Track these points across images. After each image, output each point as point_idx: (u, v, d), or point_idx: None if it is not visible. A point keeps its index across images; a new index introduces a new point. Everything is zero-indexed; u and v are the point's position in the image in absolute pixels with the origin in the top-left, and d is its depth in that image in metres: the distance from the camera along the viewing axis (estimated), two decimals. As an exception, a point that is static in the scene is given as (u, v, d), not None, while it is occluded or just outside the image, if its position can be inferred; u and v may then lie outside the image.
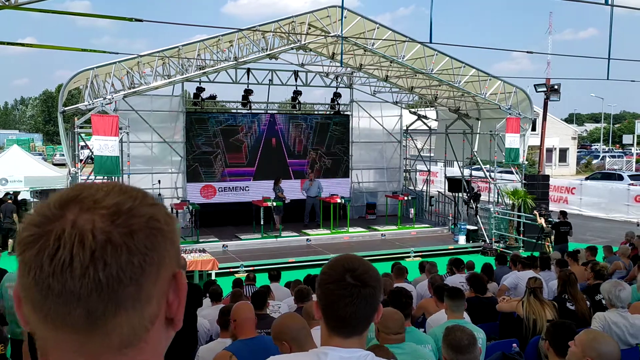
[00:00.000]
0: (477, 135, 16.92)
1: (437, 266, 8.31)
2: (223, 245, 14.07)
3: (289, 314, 3.06)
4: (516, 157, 15.44)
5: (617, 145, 58.94)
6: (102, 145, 11.81)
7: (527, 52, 10.86)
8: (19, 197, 14.87)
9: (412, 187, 19.89)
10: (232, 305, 4.22)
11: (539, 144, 24.41)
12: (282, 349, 2.77)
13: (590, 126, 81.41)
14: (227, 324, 4.12)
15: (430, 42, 7.87)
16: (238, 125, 17.10)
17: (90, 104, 11.99)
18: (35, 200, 12.08)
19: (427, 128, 19.89)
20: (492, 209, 15.89)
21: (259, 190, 16.34)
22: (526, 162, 16.59)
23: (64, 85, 12.63)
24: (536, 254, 9.96)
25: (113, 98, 12.29)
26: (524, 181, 16.02)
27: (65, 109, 12.29)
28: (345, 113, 18.84)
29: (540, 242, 14.37)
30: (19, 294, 0.69)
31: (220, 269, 12.30)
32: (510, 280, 7.27)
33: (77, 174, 12.58)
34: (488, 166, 16.93)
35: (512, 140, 15.27)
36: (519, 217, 15.41)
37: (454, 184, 17.82)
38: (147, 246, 0.68)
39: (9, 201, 14.75)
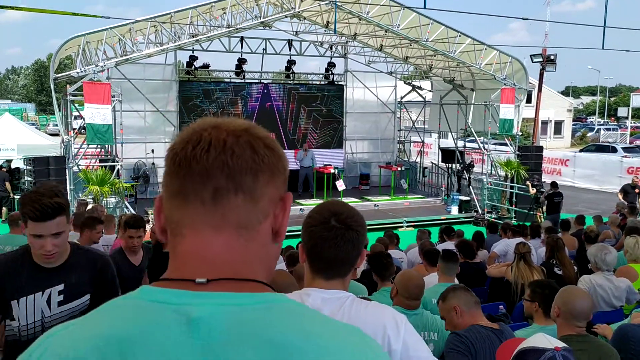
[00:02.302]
0: (472, 106, 16.87)
1: (429, 234, 8.40)
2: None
3: (278, 270, 3.10)
4: (510, 128, 15.44)
5: (612, 118, 58.94)
6: (95, 113, 11.72)
7: (523, 18, 10.80)
8: (12, 166, 14.82)
9: (405, 159, 19.92)
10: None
11: (534, 116, 24.40)
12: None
13: (586, 99, 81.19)
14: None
15: (424, 8, 7.78)
16: (231, 95, 16.98)
17: (82, 71, 11.86)
18: (28, 167, 12.02)
19: (422, 99, 19.82)
20: (485, 180, 15.96)
21: (253, 160, 16.29)
22: (520, 134, 16.59)
23: (56, 51, 12.45)
24: (528, 224, 10.07)
25: (105, 65, 12.15)
26: (517, 152, 16.06)
27: (57, 76, 12.15)
28: (340, 83, 18.72)
29: (532, 212, 14.50)
30: (160, 201, 0.90)
31: (214, 237, 12.37)
32: (500, 248, 7.37)
33: (70, 142, 12.51)
34: (482, 138, 16.95)
35: (506, 111, 15.26)
36: (511, 187, 15.50)
37: (448, 155, 17.85)
38: (265, 152, 0.88)
39: (3, 169, 14.71)
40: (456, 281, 4.81)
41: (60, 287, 2.40)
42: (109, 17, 9.34)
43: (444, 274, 4.70)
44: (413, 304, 3.30)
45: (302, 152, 16.63)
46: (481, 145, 16.60)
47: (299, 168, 16.61)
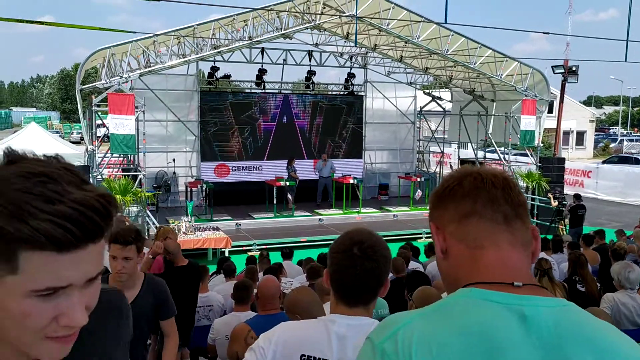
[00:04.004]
0: (492, 117, 16.77)
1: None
2: (236, 224, 14.23)
3: (301, 287, 3.13)
4: (531, 139, 15.32)
5: (636, 129, 57.99)
6: (118, 123, 11.94)
7: (545, 32, 10.72)
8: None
9: (425, 169, 19.85)
10: (248, 281, 4.33)
11: (555, 126, 24.14)
12: (295, 322, 2.85)
13: (609, 109, 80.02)
14: (241, 299, 4.22)
15: (445, 23, 7.79)
16: (252, 105, 17.14)
17: (107, 83, 12.10)
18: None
19: (441, 109, 19.75)
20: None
21: (272, 170, 16.43)
22: (542, 145, 16.44)
23: (82, 63, 12.73)
24: (549, 237, 9.96)
25: (129, 77, 12.38)
26: (539, 164, 15.91)
27: (83, 87, 12.42)
28: (359, 94, 18.78)
29: (554, 225, 14.33)
30: (435, 225, 1.12)
31: (233, 246, 12.47)
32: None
33: (94, 151, 12.76)
34: (502, 148, 16.82)
35: (527, 122, 15.15)
36: (532, 200, 15.35)
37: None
38: (521, 192, 1.13)
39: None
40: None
41: None
42: (135, 32, 9.55)
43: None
44: None
45: (321, 162, 16.70)
46: (501, 156, 16.48)
47: (317, 178, 16.67)
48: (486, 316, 0.95)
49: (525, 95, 15.26)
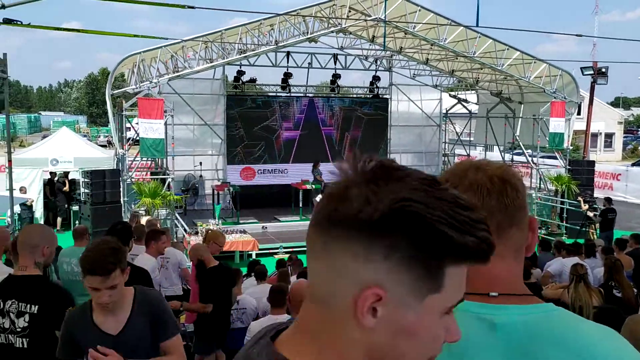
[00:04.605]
0: (520, 119, 16.58)
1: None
2: (262, 227, 14.32)
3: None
4: (560, 142, 15.11)
5: (666, 131, 56.65)
6: (148, 127, 12.14)
7: (577, 35, 10.58)
8: (69, 177, 15.46)
9: (450, 172, 19.67)
10: (284, 284, 4.37)
11: (583, 128, 23.74)
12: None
13: (637, 110, 78.36)
14: (278, 302, 4.27)
15: (477, 26, 7.75)
16: (277, 109, 17.24)
17: (137, 87, 12.31)
18: (86, 180, 12.55)
19: (467, 111, 19.59)
20: (533, 195, 15.61)
21: (297, 173, 16.49)
22: (571, 147, 16.19)
23: (113, 68, 13.00)
24: (580, 240, 9.80)
25: (159, 82, 12.58)
26: (568, 167, 15.67)
27: (114, 92, 12.66)
28: (384, 96, 18.74)
29: (584, 229, 14.08)
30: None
31: (260, 249, 12.54)
32: (555, 267, 7.21)
33: (124, 155, 12.97)
34: (530, 151, 16.60)
35: (556, 124, 14.95)
36: (562, 203, 15.12)
37: (495, 168, 17.51)
38: (522, 190, 1.08)
39: (59, 181, 15.37)
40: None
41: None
42: (166, 38, 9.71)
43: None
44: None
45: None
46: (529, 159, 16.27)
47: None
48: (460, 325, 0.96)
49: (554, 97, 15.06)
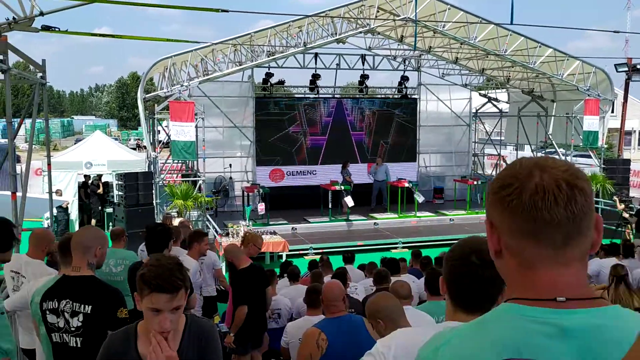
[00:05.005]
0: (552, 117, 16.28)
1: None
2: (292, 228, 14.37)
3: (383, 293, 3.15)
4: (595, 140, 14.79)
5: None
6: (179, 130, 12.31)
7: (614, 32, 10.31)
8: (103, 179, 15.82)
9: (480, 172, 19.45)
10: (319, 285, 4.38)
11: (617, 126, 23.16)
12: (377, 327, 2.87)
13: (673, 107, 75.94)
14: (313, 303, 4.28)
15: (511, 24, 7.63)
16: (305, 110, 17.30)
17: (168, 91, 12.51)
18: (119, 182, 12.79)
19: (498, 110, 19.32)
20: (567, 195, 15.29)
21: (326, 174, 16.51)
22: (605, 146, 15.83)
23: (145, 72, 13.22)
24: (617, 241, 9.56)
25: (190, 85, 12.75)
26: (602, 165, 15.32)
27: (146, 95, 12.89)
28: (413, 96, 18.63)
29: (620, 229, 13.74)
30: (490, 224, 1.09)
31: (290, 251, 12.59)
32: (593, 268, 7.06)
33: (156, 158, 13.19)
34: (563, 150, 16.28)
35: (590, 122, 14.64)
36: (597, 203, 14.78)
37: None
38: (590, 192, 1.04)
39: (93, 184, 15.73)
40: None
41: None
42: (198, 42, 9.85)
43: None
44: None
45: (375, 166, 16.65)
46: (562, 158, 15.95)
47: (372, 182, 16.64)
48: (519, 331, 1.00)
49: (588, 95, 14.75)
